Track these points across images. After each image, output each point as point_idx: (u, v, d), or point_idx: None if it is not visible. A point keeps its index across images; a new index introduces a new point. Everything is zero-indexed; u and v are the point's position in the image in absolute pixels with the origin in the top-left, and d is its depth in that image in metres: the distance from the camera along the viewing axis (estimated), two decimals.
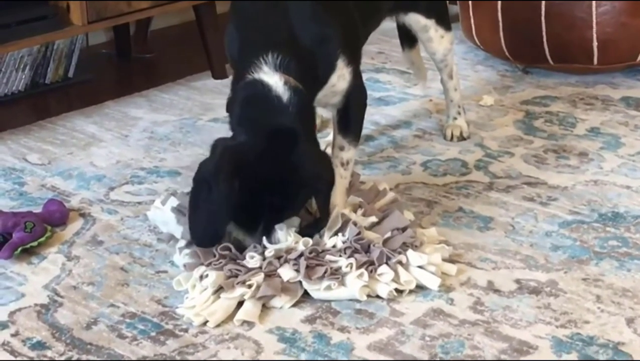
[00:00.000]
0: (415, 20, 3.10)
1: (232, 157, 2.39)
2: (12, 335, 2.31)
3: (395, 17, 3.08)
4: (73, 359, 2.21)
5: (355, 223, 2.53)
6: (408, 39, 3.24)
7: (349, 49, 2.55)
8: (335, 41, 2.51)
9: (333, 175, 2.51)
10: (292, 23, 2.48)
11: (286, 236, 2.44)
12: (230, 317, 2.33)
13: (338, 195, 2.61)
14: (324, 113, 3.12)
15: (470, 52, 4.05)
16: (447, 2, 3.28)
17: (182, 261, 2.49)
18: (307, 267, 2.40)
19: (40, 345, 2.27)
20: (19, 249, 2.62)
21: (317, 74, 2.51)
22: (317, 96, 2.54)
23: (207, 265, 2.41)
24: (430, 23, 3.10)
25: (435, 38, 3.14)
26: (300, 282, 2.40)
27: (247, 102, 2.45)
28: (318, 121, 3.09)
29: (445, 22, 3.15)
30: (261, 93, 2.42)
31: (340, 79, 2.55)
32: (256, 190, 2.38)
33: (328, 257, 2.44)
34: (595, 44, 3.62)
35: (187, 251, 2.48)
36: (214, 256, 2.43)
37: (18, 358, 2.22)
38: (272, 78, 2.42)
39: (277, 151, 2.38)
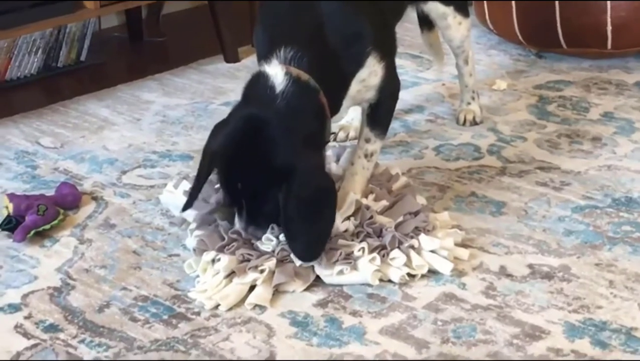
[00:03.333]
0: (435, 8, 3.10)
1: (210, 138, 2.44)
2: (25, 318, 2.31)
3: (415, 6, 3.08)
4: (86, 341, 2.22)
5: (367, 208, 2.53)
6: (427, 21, 3.23)
7: (381, 44, 2.55)
8: (366, 39, 2.51)
9: (309, 167, 2.36)
10: (322, 21, 2.47)
11: (269, 241, 2.43)
12: (242, 301, 2.33)
13: (358, 185, 2.61)
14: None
15: (483, 36, 4.04)
16: None
17: (192, 245, 2.49)
18: None
19: (53, 328, 2.27)
20: (32, 232, 2.63)
21: (344, 71, 2.50)
22: (350, 93, 2.53)
23: (218, 250, 2.41)
24: (449, 10, 3.11)
25: (454, 25, 3.14)
26: (312, 267, 2.40)
27: (247, 91, 2.46)
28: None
29: (463, 9, 3.16)
30: (259, 83, 2.42)
31: (371, 75, 2.54)
32: (229, 174, 2.40)
33: (340, 242, 2.44)
34: (609, 28, 3.60)
35: (197, 233, 2.48)
36: (223, 240, 2.43)
37: (31, 341, 2.23)
38: (275, 69, 2.41)
39: (245, 137, 2.37)
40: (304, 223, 2.35)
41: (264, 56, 2.47)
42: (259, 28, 2.58)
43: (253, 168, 2.36)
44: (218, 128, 2.45)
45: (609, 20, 3.59)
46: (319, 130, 2.44)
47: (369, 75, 2.54)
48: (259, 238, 2.43)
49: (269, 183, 2.35)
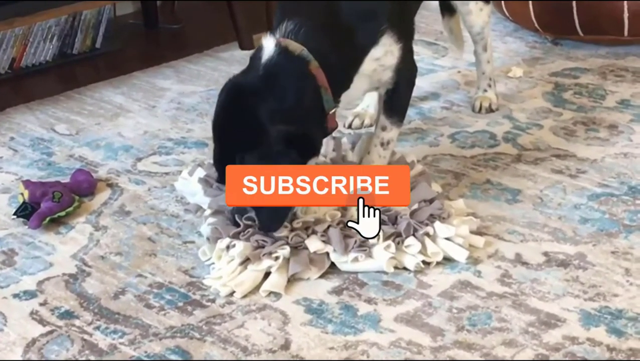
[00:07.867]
0: None
1: None
2: (41, 304, 2.32)
3: None
4: (101, 328, 2.22)
5: None
6: (448, 7, 3.22)
7: (397, 24, 2.53)
8: (381, 16, 2.50)
9: (272, 134, 2.32)
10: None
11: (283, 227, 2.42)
12: (257, 288, 2.34)
13: None
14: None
15: (499, 23, 4.02)
16: None
17: (206, 233, 2.49)
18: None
19: (68, 314, 2.28)
20: (47, 219, 2.63)
21: (355, 47, 2.48)
22: (365, 71, 2.52)
23: (232, 236, 2.41)
24: None
25: (475, 11, 3.14)
26: (327, 254, 2.40)
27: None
28: None
29: None
30: (255, 55, 2.43)
31: (387, 54, 2.52)
32: (216, 140, 2.43)
33: None
34: (626, 14, 3.58)
35: (211, 220, 2.48)
36: (238, 226, 2.43)
37: (47, 327, 2.23)
38: (268, 42, 2.41)
39: (225, 107, 2.40)
40: None
41: (272, 30, 2.47)
42: (278, 7, 2.58)
43: (226, 137, 2.39)
44: None
45: (625, 7, 3.57)
46: (305, 100, 2.39)
47: (384, 54, 2.52)
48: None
49: (236, 150, 2.34)
